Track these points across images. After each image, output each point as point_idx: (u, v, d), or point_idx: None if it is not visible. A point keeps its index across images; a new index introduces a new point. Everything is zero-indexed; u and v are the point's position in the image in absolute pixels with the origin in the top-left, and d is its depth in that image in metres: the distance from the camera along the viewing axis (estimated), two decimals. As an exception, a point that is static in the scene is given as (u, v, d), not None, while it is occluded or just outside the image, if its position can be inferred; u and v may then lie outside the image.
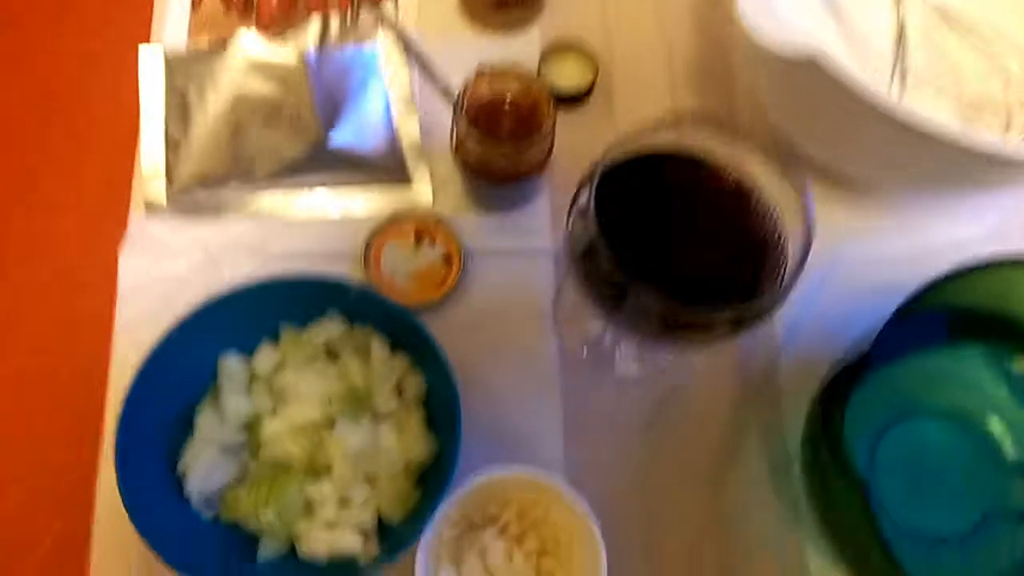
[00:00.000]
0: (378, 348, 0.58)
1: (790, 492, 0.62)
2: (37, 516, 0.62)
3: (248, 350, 0.59)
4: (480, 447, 0.56)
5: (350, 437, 0.55)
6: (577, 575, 0.56)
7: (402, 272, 0.66)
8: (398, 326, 0.57)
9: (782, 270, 0.46)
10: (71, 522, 0.60)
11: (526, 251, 0.68)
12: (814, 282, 0.67)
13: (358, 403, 0.57)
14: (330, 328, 0.58)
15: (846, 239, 0.68)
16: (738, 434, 0.64)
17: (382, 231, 0.67)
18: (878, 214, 0.71)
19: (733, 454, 0.63)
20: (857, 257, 0.68)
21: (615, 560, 0.54)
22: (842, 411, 0.49)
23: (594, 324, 0.67)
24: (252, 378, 0.58)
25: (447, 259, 0.67)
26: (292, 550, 0.56)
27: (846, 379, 0.51)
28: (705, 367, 0.66)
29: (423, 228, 0.67)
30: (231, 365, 0.58)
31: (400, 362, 0.58)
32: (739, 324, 0.44)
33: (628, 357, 0.67)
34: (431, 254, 0.67)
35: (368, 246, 0.66)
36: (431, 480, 0.56)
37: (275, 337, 0.60)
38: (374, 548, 0.54)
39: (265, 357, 0.59)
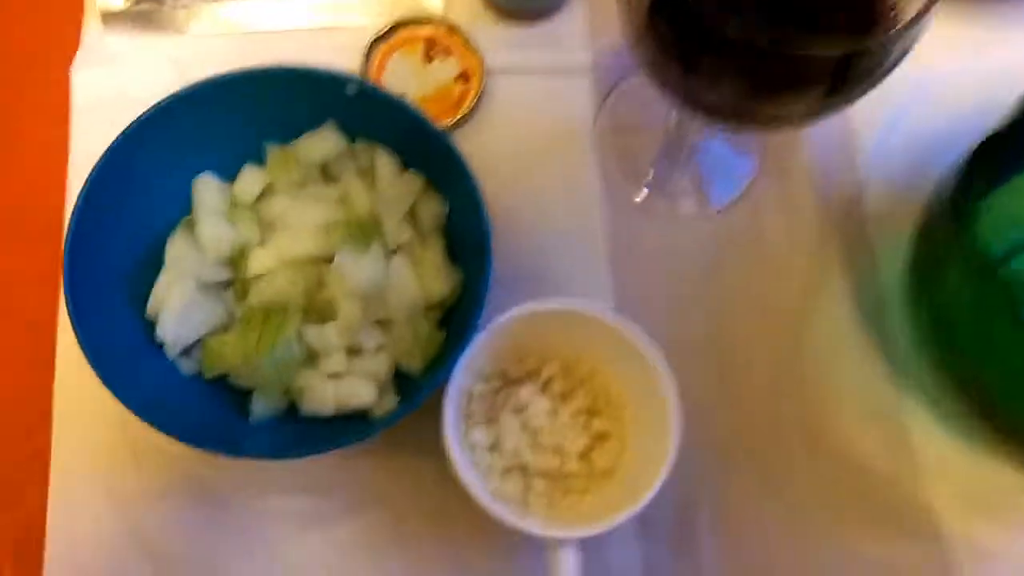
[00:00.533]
0: (385, 165, 0.48)
1: (884, 337, 0.53)
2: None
3: (227, 176, 0.48)
4: (510, 293, 0.46)
5: (355, 272, 0.45)
6: (636, 438, 0.46)
7: (410, 92, 0.56)
8: (409, 136, 0.47)
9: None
10: (27, 380, 0.51)
11: (560, 68, 0.58)
12: (902, 100, 0.57)
13: (363, 233, 0.46)
14: (326, 143, 0.48)
15: (938, 50, 0.56)
16: (820, 274, 0.54)
17: (384, 42, 0.55)
18: (974, 22, 0.59)
19: (815, 298, 0.54)
20: (952, 71, 0.57)
21: (686, 416, 0.45)
22: (983, 194, 0.38)
23: (645, 153, 0.57)
24: (234, 206, 0.48)
25: (464, 77, 0.56)
26: (290, 407, 0.45)
27: (987, 159, 0.39)
28: (779, 200, 0.56)
29: (434, 39, 0.57)
30: (207, 187, 0.48)
31: (413, 182, 0.48)
32: (845, 74, 0.34)
33: (686, 190, 0.56)
34: (444, 70, 0.56)
35: (367, 60, 0.55)
36: (456, 322, 0.45)
37: (259, 161, 0.49)
38: (391, 401, 0.44)
39: (249, 181, 0.49)
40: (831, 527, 0.49)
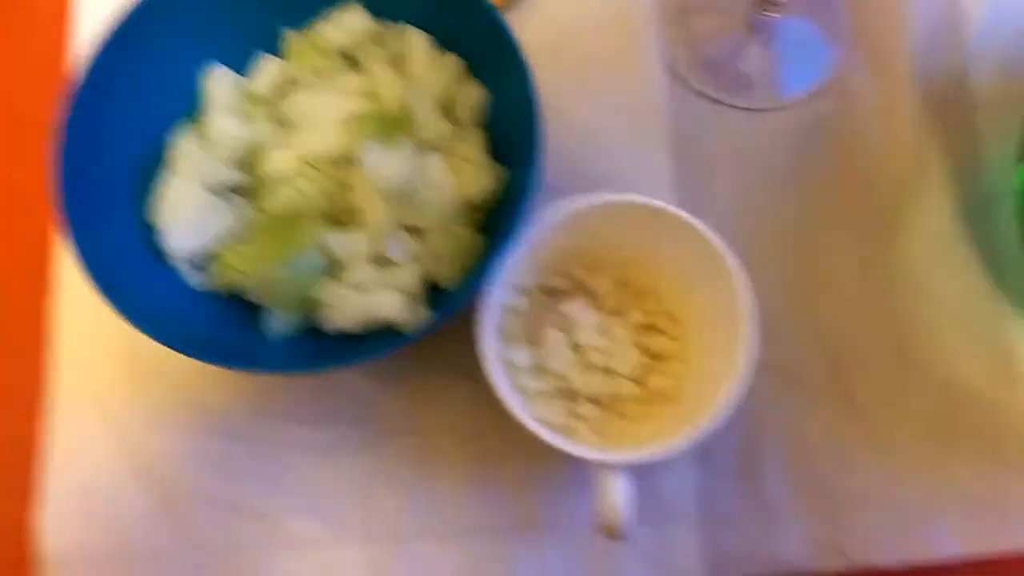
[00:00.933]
0: (418, 47, 0.42)
1: (991, 246, 0.46)
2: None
3: (239, 67, 0.43)
4: (559, 198, 0.41)
5: (383, 170, 0.39)
6: (700, 359, 0.42)
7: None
8: (446, 11, 0.42)
9: None
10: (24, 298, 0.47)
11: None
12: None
13: (393, 127, 0.41)
14: (350, 24, 0.43)
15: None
16: (917, 172, 0.48)
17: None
18: None
19: (911, 200, 0.48)
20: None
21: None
22: None
23: (715, 36, 0.51)
24: (249, 101, 0.43)
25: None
26: (311, 325, 0.41)
27: None
28: (872, 89, 0.49)
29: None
30: (219, 80, 0.43)
31: (450, 67, 0.42)
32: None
33: (763, 77, 0.49)
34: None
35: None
36: (497, 228, 0.40)
37: (274, 51, 0.45)
38: (422, 316, 0.39)
39: (265, 72, 0.44)
40: (924, 460, 0.44)
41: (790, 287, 0.46)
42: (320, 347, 0.41)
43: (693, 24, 0.51)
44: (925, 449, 0.44)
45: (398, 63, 0.44)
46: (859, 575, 0.43)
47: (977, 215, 0.47)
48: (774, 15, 0.48)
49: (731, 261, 0.38)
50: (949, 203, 0.47)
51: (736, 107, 0.50)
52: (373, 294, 0.40)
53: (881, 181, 0.48)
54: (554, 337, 0.42)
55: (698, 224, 0.39)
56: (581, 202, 0.39)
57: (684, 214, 0.39)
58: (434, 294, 0.42)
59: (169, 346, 0.37)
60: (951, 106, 0.49)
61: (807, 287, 0.46)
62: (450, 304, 0.37)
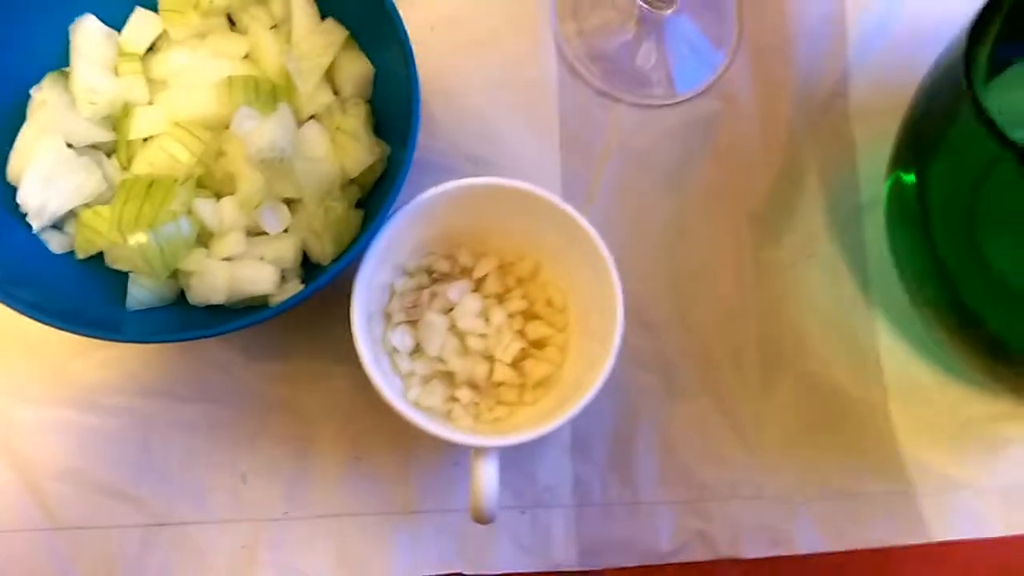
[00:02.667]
0: (303, 12, 0.43)
1: (858, 251, 0.50)
2: None
3: (112, 21, 0.42)
4: (449, 175, 0.42)
5: (258, 135, 0.39)
6: (578, 348, 0.44)
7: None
8: None
9: None
10: None
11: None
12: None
13: (272, 94, 0.41)
14: (231, -17, 0.42)
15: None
16: (793, 177, 0.51)
17: None
18: None
19: (787, 202, 0.50)
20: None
21: (632, 331, 0.42)
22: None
23: (607, 28, 0.52)
24: (121, 56, 0.42)
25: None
26: (179, 297, 0.41)
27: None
28: (755, 91, 0.52)
29: None
30: (88, 32, 0.42)
31: (333, 36, 0.42)
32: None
33: (651, 73, 0.51)
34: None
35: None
36: (376, 204, 0.41)
37: (151, 5, 0.43)
38: (295, 290, 0.39)
39: (139, 27, 0.43)
40: (787, 455, 0.47)
41: (667, 282, 0.48)
42: (188, 318, 0.40)
43: (585, 16, 0.53)
44: (789, 444, 0.47)
45: (279, 27, 0.44)
46: (725, 566, 0.45)
47: (848, 222, 0.50)
48: (662, 11, 0.51)
49: (605, 251, 0.40)
50: (822, 208, 0.50)
51: (625, 102, 0.51)
52: (244, 266, 0.40)
53: (758, 184, 0.50)
54: (434, 320, 0.43)
55: (574, 212, 0.41)
56: (462, 183, 0.40)
57: (561, 202, 0.41)
58: (310, 270, 0.42)
59: (24, 312, 0.36)
60: (828, 114, 0.52)
61: (683, 283, 0.48)
62: (320, 280, 0.37)
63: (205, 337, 0.37)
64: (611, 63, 0.52)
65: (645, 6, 0.50)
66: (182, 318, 0.41)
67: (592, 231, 0.40)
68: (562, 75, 0.51)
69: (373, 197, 0.43)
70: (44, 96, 0.41)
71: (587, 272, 0.41)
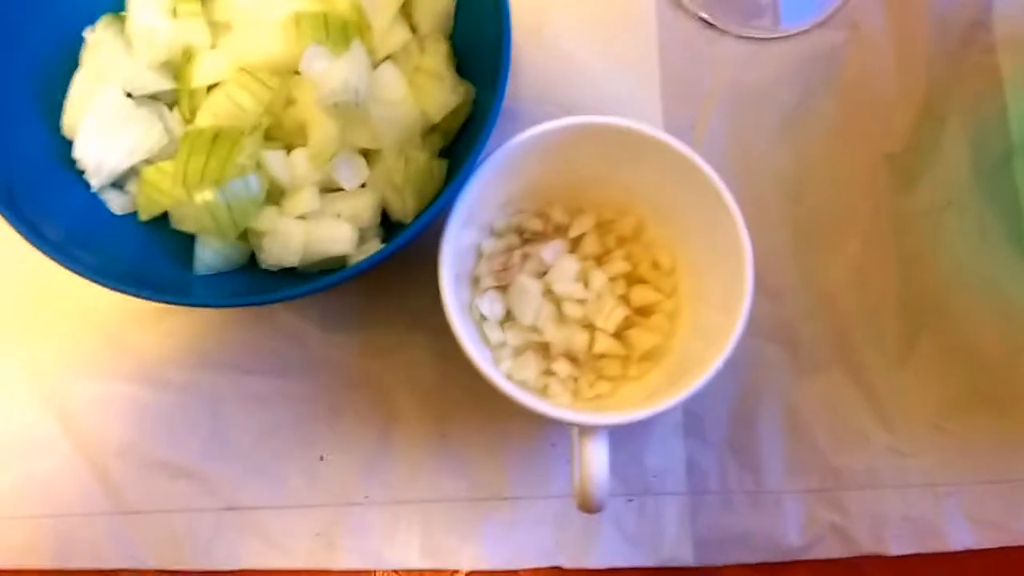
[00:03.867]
0: (377, -57, 0.39)
1: (1008, 200, 0.45)
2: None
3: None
4: (532, 123, 0.38)
5: (330, 79, 0.36)
6: (690, 315, 0.40)
7: None
8: None
9: None
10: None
11: None
12: None
13: (344, 32, 0.38)
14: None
15: None
16: (931, 118, 0.46)
17: None
18: None
19: (924, 147, 0.46)
20: None
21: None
22: None
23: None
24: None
25: None
26: (250, 260, 0.39)
27: None
28: (883, 22, 0.47)
29: None
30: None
31: (411, -33, 0.39)
32: None
33: (762, 2, 0.47)
34: None
35: None
36: (462, 153, 0.37)
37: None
38: (374, 248, 0.37)
39: (199, -37, 0.40)
40: (936, 436, 0.43)
41: (789, 239, 0.44)
42: (259, 283, 0.38)
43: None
44: (934, 422, 0.43)
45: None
46: (865, 565, 0.42)
47: (996, 166, 0.46)
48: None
49: (731, 203, 0.36)
50: (966, 152, 0.46)
51: (732, 34, 0.48)
52: (319, 224, 0.38)
53: (891, 127, 0.46)
54: (527, 285, 0.40)
55: (694, 156, 0.37)
56: (555, 123, 0.37)
57: (677, 142, 0.37)
58: (390, 229, 0.39)
59: (84, 275, 0.34)
60: (971, 45, 0.47)
61: (808, 239, 0.44)
62: (403, 236, 0.34)
63: (277, 301, 0.34)
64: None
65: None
66: (253, 283, 0.38)
67: (714, 176, 0.36)
68: (660, 6, 0.47)
69: (457, 146, 0.40)
70: (98, 39, 0.38)
71: (703, 228, 0.38)
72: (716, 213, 0.36)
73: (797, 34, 0.47)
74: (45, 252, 0.34)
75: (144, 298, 0.34)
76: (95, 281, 0.34)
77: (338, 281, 0.34)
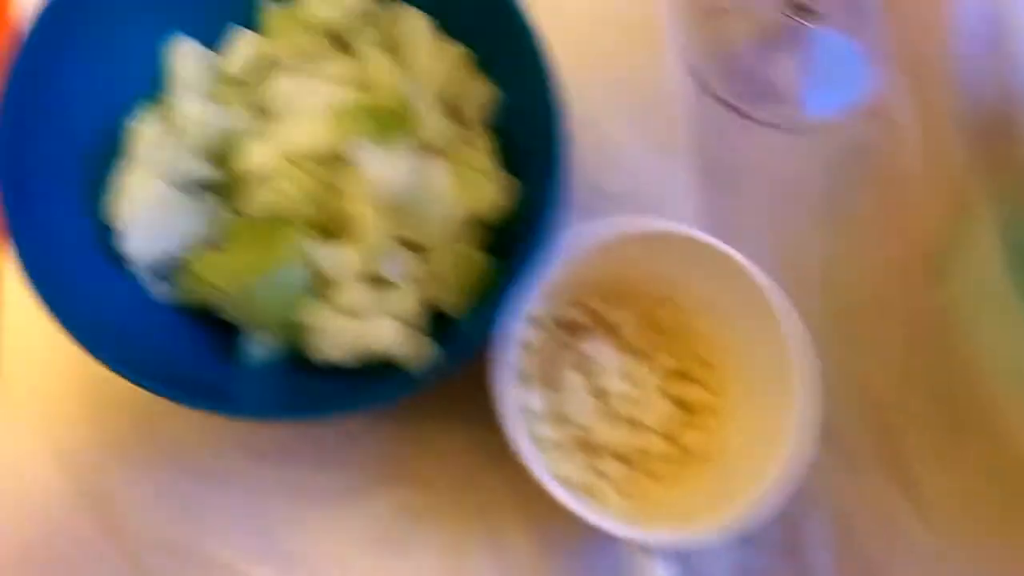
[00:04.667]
0: (419, 31, 0.41)
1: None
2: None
3: (209, 41, 0.41)
4: (571, 209, 0.41)
5: (381, 174, 0.37)
6: (739, 412, 0.40)
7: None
8: None
9: None
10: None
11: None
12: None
13: (390, 123, 0.38)
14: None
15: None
16: (963, 213, 0.47)
17: None
18: None
19: (956, 243, 0.47)
20: None
21: None
22: None
23: (743, 40, 0.50)
24: (221, 82, 0.40)
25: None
26: (294, 351, 0.39)
27: None
28: (913, 111, 0.49)
29: None
30: (187, 55, 0.40)
31: (455, 58, 0.40)
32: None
33: (796, 91, 0.48)
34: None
35: None
36: (509, 246, 0.38)
37: (250, 23, 0.42)
38: (423, 348, 0.37)
39: (240, 48, 0.41)
40: (984, 542, 0.43)
41: (827, 335, 0.44)
42: (303, 382, 0.38)
43: (719, 27, 0.50)
44: (986, 529, 0.43)
45: (394, 49, 0.41)
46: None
47: (1026, 258, 0.46)
48: (808, 23, 0.48)
49: (779, 304, 0.37)
50: (999, 249, 0.46)
51: (765, 123, 0.48)
52: (368, 321, 0.38)
53: (923, 221, 0.47)
54: (573, 380, 0.40)
55: (740, 258, 0.38)
56: (619, 229, 0.37)
57: (724, 246, 0.38)
58: (436, 323, 0.40)
59: (127, 377, 0.34)
60: (999, 140, 0.48)
61: (846, 336, 0.45)
62: (466, 341, 0.34)
63: (333, 416, 0.34)
64: (749, 79, 0.49)
65: (790, 16, 0.47)
66: (301, 380, 0.39)
67: (762, 279, 0.37)
68: (694, 95, 0.48)
69: (501, 240, 0.40)
70: (143, 128, 0.38)
71: (751, 327, 0.39)
72: (761, 313, 0.38)
73: (828, 124, 0.48)
74: (82, 344, 0.34)
75: (182, 404, 0.34)
76: (133, 381, 0.34)
77: (399, 396, 0.34)
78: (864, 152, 0.48)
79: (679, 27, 0.49)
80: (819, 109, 0.49)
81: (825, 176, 0.48)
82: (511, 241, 0.39)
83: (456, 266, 0.39)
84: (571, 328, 0.42)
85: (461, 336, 0.36)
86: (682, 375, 0.41)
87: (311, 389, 0.38)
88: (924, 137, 0.48)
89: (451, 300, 0.39)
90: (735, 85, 0.49)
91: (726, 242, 0.39)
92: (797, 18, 0.48)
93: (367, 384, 0.38)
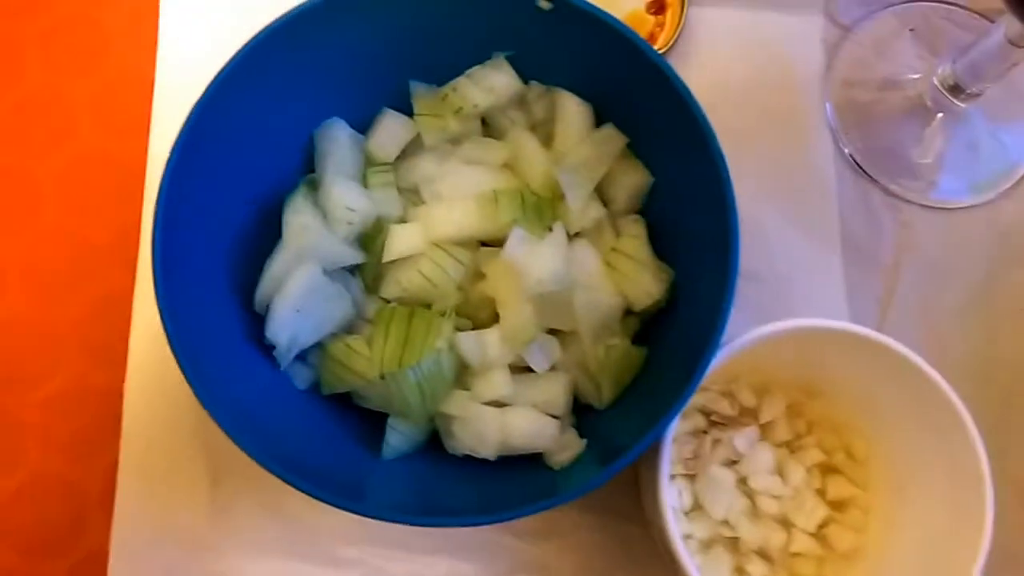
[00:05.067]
0: (573, 115, 0.40)
1: None
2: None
3: (357, 123, 0.41)
4: None
5: (531, 262, 0.36)
6: (887, 507, 0.39)
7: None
8: (610, 73, 0.38)
9: None
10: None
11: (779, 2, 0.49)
12: None
13: (541, 210, 0.38)
14: (494, 84, 0.40)
15: None
16: None
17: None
18: None
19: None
20: None
21: None
22: None
23: (890, 118, 0.49)
24: (369, 165, 0.41)
25: (658, 5, 0.48)
26: (434, 441, 0.39)
27: None
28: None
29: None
30: (337, 138, 0.40)
31: (609, 142, 0.39)
32: None
33: (947, 170, 0.47)
34: (633, -5, 0.47)
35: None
36: (661, 338, 0.37)
37: (399, 106, 0.42)
38: (574, 444, 0.36)
39: (389, 131, 0.41)
40: None
41: (990, 432, 0.42)
42: (444, 480, 0.38)
43: (867, 106, 0.49)
44: None
45: (547, 134, 0.41)
46: None
47: None
48: (961, 104, 0.46)
49: (962, 410, 0.35)
50: None
51: (915, 203, 0.47)
52: (516, 414, 0.38)
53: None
54: (719, 476, 0.39)
55: (898, 348, 0.36)
56: (774, 329, 0.36)
57: (898, 345, 0.36)
58: (581, 415, 0.39)
59: (265, 466, 0.33)
60: None
61: (1003, 425, 0.43)
62: (627, 456, 0.33)
63: (474, 524, 0.33)
64: (899, 159, 0.48)
65: (943, 94, 0.46)
66: (436, 471, 0.38)
67: (942, 383, 0.35)
68: (839, 168, 0.48)
69: (650, 330, 0.40)
70: (295, 214, 0.38)
71: (913, 419, 0.38)
72: (937, 414, 0.37)
73: (981, 204, 0.47)
74: (230, 434, 0.34)
75: (321, 500, 0.33)
76: (271, 471, 0.34)
77: (562, 501, 0.33)
78: (1019, 231, 0.46)
79: (830, 101, 0.49)
80: (972, 191, 0.47)
81: (978, 257, 0.47)
82: (661, 330, 0.38)
83: (607, 358, 0.38)
84: (718, 420, 0.41)
85: (612, 433, 0.35)
86: (831, 469, 0.40)
87: (450, 491, 0.38)
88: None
89: (596, 390, 0.38)
90: (885, 164, 0.48)
91: (871, 323, 0.37)
92: (951, 98, 0.46)
93: (508, 476, 0.37)
